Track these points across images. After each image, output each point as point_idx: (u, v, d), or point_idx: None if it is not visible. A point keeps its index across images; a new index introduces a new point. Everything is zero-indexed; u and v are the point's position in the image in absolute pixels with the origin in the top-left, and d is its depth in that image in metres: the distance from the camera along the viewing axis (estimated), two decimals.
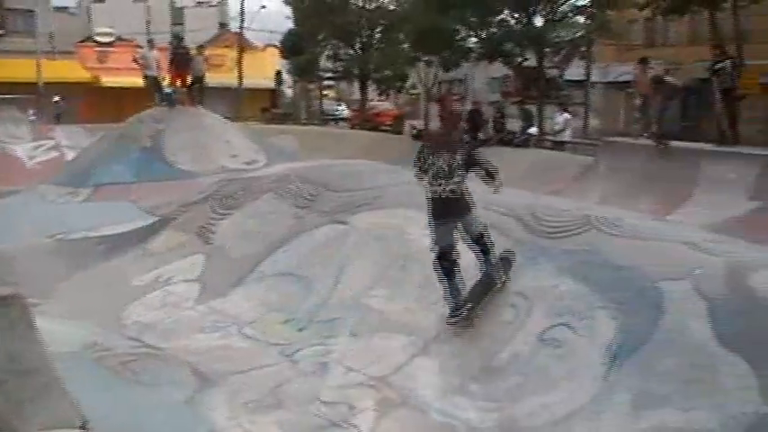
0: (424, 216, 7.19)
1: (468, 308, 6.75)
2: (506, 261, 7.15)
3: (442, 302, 7.00)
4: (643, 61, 19.17)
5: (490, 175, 7.09)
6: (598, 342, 6.02)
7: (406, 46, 35.69)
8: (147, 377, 6.38)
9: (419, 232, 8.01)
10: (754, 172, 13.96)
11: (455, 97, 31.16)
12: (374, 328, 7.24)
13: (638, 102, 19.10)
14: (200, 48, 24.25)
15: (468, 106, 29.00)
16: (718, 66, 16.76)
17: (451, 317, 6.79)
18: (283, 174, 11.18)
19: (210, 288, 8.94)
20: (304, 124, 39.99)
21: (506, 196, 7.94)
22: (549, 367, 6.10)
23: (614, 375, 5.73)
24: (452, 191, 6.84)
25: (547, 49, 29.96)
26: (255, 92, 48.05)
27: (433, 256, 6.98)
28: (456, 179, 6.86)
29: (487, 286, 6.97)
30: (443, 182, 6.86)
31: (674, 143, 16.62)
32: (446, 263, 6.93)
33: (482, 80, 53.43)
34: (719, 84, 16.84)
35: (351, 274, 8.10)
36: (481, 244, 7.00)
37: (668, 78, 17.63)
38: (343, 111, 52.01)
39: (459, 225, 6.96)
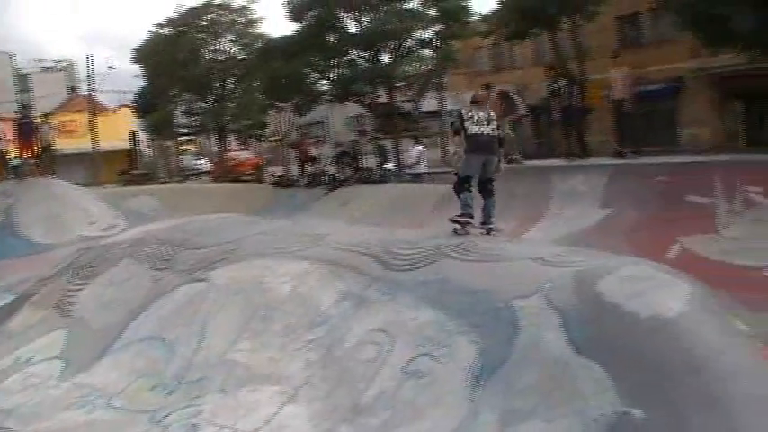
0: (280, 264, 7.31)
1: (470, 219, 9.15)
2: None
3: (306, 348, 7.06)
4: (487, 87, 19.77)
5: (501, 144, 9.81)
6: (460, 367, 6.13)
7: (259, 94, 35.80)
8: None
9: (276, 281, 8.08)
10: (602, 182, 14.57)
11: (311, 141, 31.19)
12: (241, 382, 7.17)
13: None
14: (47, 116, 23.74)
15: (333, 149, 29.39)
16: (556, 86, 17.45)
17: (459, 222, 9.10)
18: (139, 237, 11.02)
19: (74, 363, 8.66)
20: (164, 183, 39.31)
21: (360, 234, 8.06)
22: (415, 398, 6.15)
23: (479, 397, 5.83)
24: (490, 133, 9.34)
25: (400, 84, 30.55)
26: (112, 154, 47.20)
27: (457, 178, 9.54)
28: (492, 125, 9.40)
29: (487, 217, 9.41)
30: (485, 126, 9.31)
31: (529, 162, 17.20)
32: (466, 185, 9.35)
33: (340, 121, 53.94)
34: (558, 103, 17.54)
35: (213, 331, 8.02)
36: (488, 186, 9.52)
37: (514, 96, 18.20)
38: (204, 164, 51.47)
39: (485, 160, 9.39)
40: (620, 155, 15.90)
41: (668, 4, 15.18)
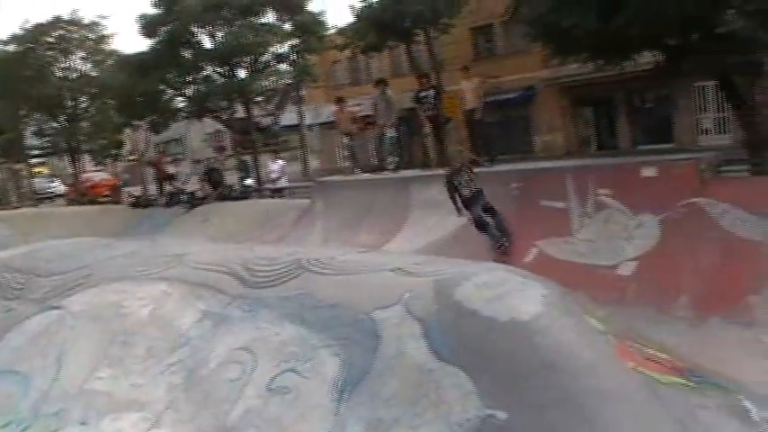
0: (139, 287, 7.14)
1: (505, 240, 12.38)
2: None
3: (168, 372, 6.91)
4: (340, 101, 19.94)
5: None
6: (325, 380, 6.09)
7: (113, 112, 34.95)
8: None
9: (135, 304, 7.85)
10: None
11: (169, 159, 30.62)
12: (103, 411, 6.92)
13: (345, 140, 19.82)
14: None
15: (193, 166, 28.96)
16: (422, 94, 17.71)
17: (500, 248, 12.29)
18: None
19: None
20: (16, 208, 37.79)
21: (219, 252, 7.95)
22: (282, 415, 6.09)
23: (344, 409, 5.81)
24: (473, 189, 12.69)
25: (257, 99, 30.44)
26: None
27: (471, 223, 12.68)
28: (472, 183, 12.75)
29: (501, 229, 12.50)
30: (467, 187, 12.73)
31: (388, 173, 17.38)
32: (482, 222, 12.48)
33: (197, 138, 53.28)
34: (424, 111, 17.82)
35: (71, 360, 7.71)
36: (489, 209, 12.62)
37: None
38: (58, 187, 49.81)
39: (478, 201, 12.60)
40: (476, 163, 16.26)
41: (519, 16, 15.60)
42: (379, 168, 17.81)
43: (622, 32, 13.30)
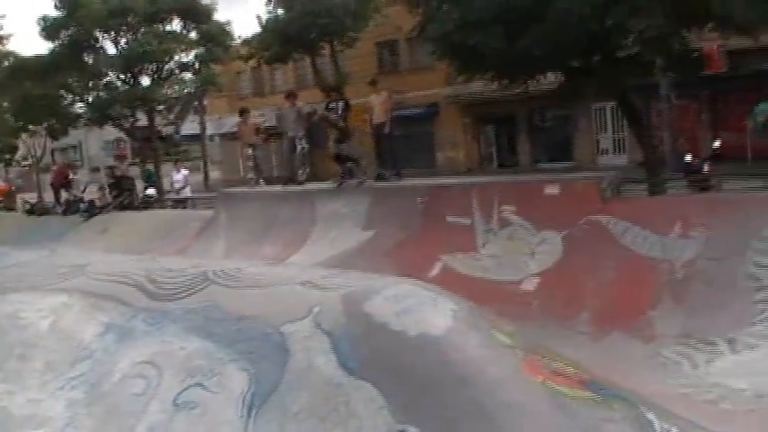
0: (37, 298, 6.93)
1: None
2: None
3: (69, 386, 6.71)
4: (243, 112, 19.80)
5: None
6: (233, 395, 5.98)
7: (8, 116, 33.97)
8: None
9: (35, 316, 7.60)
10: (365, 204, 14.83)
11: (70, 166, 29.70)
12: None
13: (249, 152, 19.65)
14: None
15: (90, 173, 28.27)
16: (332, 105, 17.68)
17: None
18: None
19: None
20: None
21: (122, 263, 7.77)
22: (188, 430, 5.97)
23: (252, 425, 5.72)
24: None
25: (159, 108, 30.02)
26: None
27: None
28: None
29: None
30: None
31: (294, 186, 17.30)
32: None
33: (96, 145, 52.13)
34: (333, 123, 17.80)
35: None
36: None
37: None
38: None
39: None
40: (382, 177, 16.31)
41: (426, 33, 15.76)
42: (291, 180, 17.68)
43: (527, 53, 13.58)
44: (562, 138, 35.17)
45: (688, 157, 18.92)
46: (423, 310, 6.07)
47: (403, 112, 31.77)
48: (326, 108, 17.95)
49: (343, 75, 32.62)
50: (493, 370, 5.54)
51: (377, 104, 17.12)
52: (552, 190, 12.16)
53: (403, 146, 26.61)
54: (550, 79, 17.06)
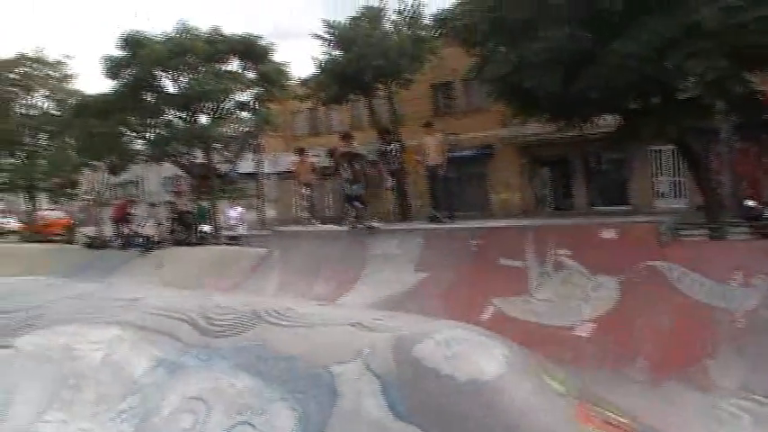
0: (91, 330, 7.00)
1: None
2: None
3: (119, 419, 6.75)
4: (300, 151, 19.91)
5: None
6: None
7: (72, 152, 34.68)
8: None
9: (89, 348, 7.70)
10: (417, 245, 14.73)
11: (131, 201, 29.99)
12: None
13: (304, 191, 19.73)
14: None
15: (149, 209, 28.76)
16: (388, 148, 17.74)
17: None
18: None
19: None
20: None
21: (176, 299, 7.82)
22: None
23: None
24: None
25: (217, 145, 30.35)
26: None
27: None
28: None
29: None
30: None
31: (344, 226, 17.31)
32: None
33: (155, 181, 52.91)
34: (389, 165, 17.83)
35: (20, 402, 7.51)
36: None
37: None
38: (12, 223, 49.16)
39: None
40: (435, 219, 16.27)
41: (483, 75, 15.80)
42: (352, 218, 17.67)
43: (583, 95, 13.51)
44: (618, 181, 34.75)
45: (749, 202, 18.56)
46: (474, 354, 6.01)
47: (457, 154, 31.82)
48: (382, 151, 18.00)
49: (399, 116, 32.74)
50: (544, 418, 5.45)
51: (432, 146, 17.12)
52: (609, 234, 11.98)
53: (457, 187, 26.61)
54: (607, 121, 16.93)
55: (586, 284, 11.55)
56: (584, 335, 10.78)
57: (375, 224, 16.25)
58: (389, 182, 19.20)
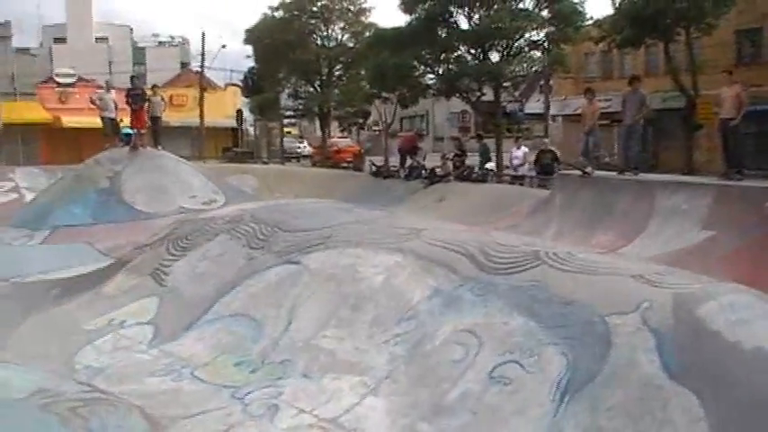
0: (374, 255, 7.29)
1: None
2: None
3: (393, 342, 7.02)
4: (588, 93, 19.33)
5: None
6: (547, 379, 5.95)
7: (364, 83, 36.00)
8: (95, 423, 6.27)
9: (370, 271, 8.04)
10: (706, 202, 14.05)
11: (419, 135, 30.71)
12: (325, 368, 7.14)
13: (586, 135, 19.15)
14: (155, 87, 24.25)
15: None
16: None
17: None
18: (237, 214, 11.11)
19: (163, 331, 8.79)
20: (265, 163, 39.92)
21: (456, 232, 7.95)
22: (500, 405, 6.00)
23: (563, 412, 5.66)
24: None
25: (506, 84, 30.30)
26: (217, 131, 47.97)
27: None
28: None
29: None
30: None
31: (629, 175, 16.79)
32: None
33: (441, 115, 53.89)
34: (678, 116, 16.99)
35: (302, 315, 8.02)
36: None
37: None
38: (305, 148, 52.04)
39: None
40: (726, 176, 15.37)
41: None
42: (626, 169, 17.12)
43: None
44: None
45: None
46: (761, 322, 5.69)
47: (760, 107, 29.65)
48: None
49: (697, 64, 30.94)
50: None
51: (728, 98, 16.04)
52: None
53: (755, 144, 24.96)
54: None
55: None
56: None
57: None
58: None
